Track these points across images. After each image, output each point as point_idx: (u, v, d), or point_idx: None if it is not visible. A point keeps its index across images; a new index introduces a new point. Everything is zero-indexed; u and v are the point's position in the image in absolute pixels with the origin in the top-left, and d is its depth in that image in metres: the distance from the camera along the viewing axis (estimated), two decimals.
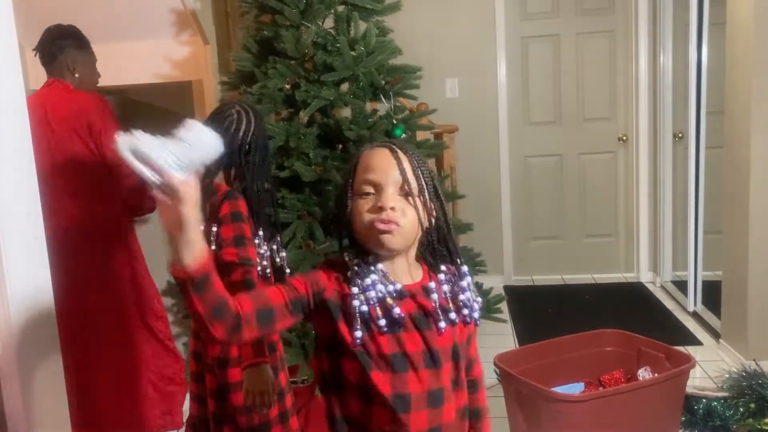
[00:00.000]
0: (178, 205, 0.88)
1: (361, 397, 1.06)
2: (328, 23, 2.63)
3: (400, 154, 1.08)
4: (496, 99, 4.56)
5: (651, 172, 4.51)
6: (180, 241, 0.90)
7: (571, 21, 4.56)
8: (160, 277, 2.86)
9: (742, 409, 2.49)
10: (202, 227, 1.70)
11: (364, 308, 1.03)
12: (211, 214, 1.73)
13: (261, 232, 1.81)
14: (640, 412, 2.25)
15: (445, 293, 1.10)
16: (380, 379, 1.04)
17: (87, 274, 2.39)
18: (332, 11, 2.60)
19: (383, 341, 1.05)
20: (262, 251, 1.81)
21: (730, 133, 3.19)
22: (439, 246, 1.13)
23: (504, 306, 3.48)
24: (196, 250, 0.92)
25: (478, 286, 1.96)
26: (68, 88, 2.46)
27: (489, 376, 2.00)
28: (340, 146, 2.60)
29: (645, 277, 4.63)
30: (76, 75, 2.49)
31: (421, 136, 3.00)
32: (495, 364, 2.33)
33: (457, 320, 1.10)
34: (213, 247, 1.71)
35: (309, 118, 2.56)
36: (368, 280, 1.04)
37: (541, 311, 4.07)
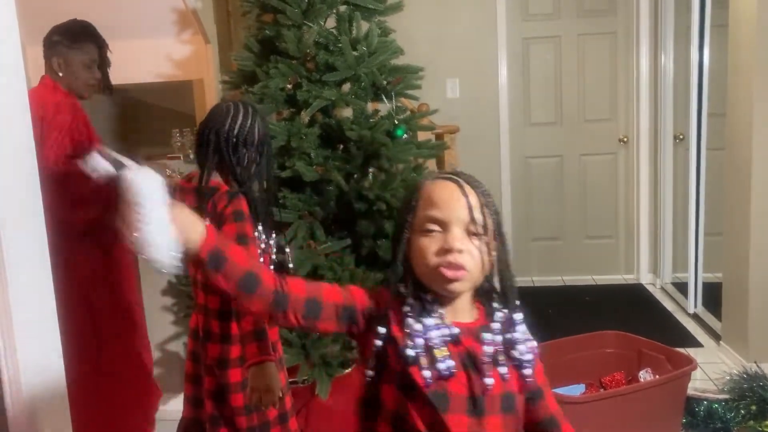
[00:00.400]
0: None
1: (393, 426, 1.00)
2: (330, 23, 2.63)
3: (468, 188, 1.01)
4: (497, 100, 4.55)
5: (651, 173, 4.51)
6: (173, 226, 0.91)
7: (573, 22, 4.56)
8: (160, 276, 2.86)
9: (743, 411, 2.49)
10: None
11: (411, 353, 0.96)
12: (213, 212, 1.72)
13: (262, 231, 1.80)
14: (641, 413, 2.25)
15: (497, 342, 1.02)
16: (418, 414, 0.97)
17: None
18: (334, 11, 2.59)
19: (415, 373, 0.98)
20: (261, 249, 1.80)
21: (731, 135, 3.19)
22: (496, 289, 1.06)
23: None
24: (194, 230, 0.92)
25: None
26: (48, 86, 2.40)
27: None
28: (342, 146, 2.59)
29: (645, 278, 4.63)
30: (60, 74, 2.43)
31: (422, 136, 2.99)
32: None
33: (507, 375, 1.01)
34: None
35: (310, 118, 2.55)
36: (428, 321, 0.98)
37: (541, 312, 4.06)
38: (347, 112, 2.68)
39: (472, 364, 1.00)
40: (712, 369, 3.06)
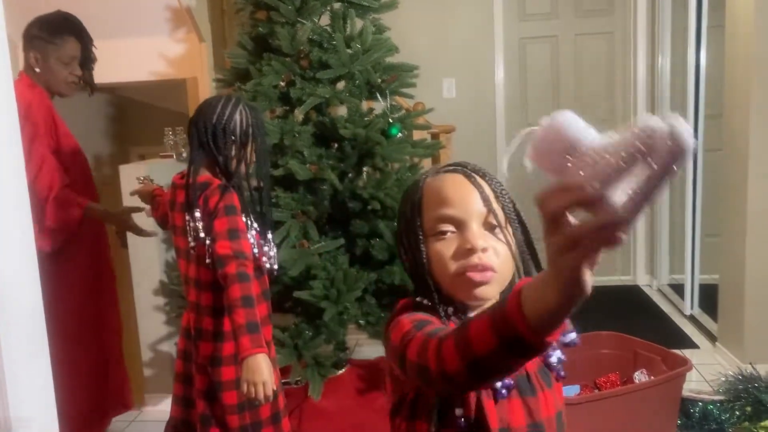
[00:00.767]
0: None
1: None
2: (324, 20, 2.61)
3: (478, 178, 0.89)
4: (494, 99, 4.54)
5: None
6: None
7: (570, 22, 4.55)
8: (151, 276, 2.84)
9: (738, 413, 2.47)
10: (198, 221, 1.70)
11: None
12: (205, 207, 1.71)
13: (257, 226, 1.78)
14: (636, 414, 2.23)
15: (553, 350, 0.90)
16: None
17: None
18: (328, 8, 2.58)
19: (489, 409, 0.85)
20: (253, 245, 1.78)
21: (727, 136, 3.17)
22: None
23: None
24: None
25: None
26: (23, 83, 2.29)
27: None
28: (336, 145, 2.57)
29: (642, 280, 4.61)
30: (37, 70, 2.31)
31: (417, 135, 2.98)
32: None
33: (553, 382, 0.91)
34: (207, 242, 1.69)
35: (304, 116, 2.53)
36: None
37: None
38: (341, 110, 2.66)
39: (523, 382, 0.88)
40: (708, 370, 3.04)
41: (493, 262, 0.86)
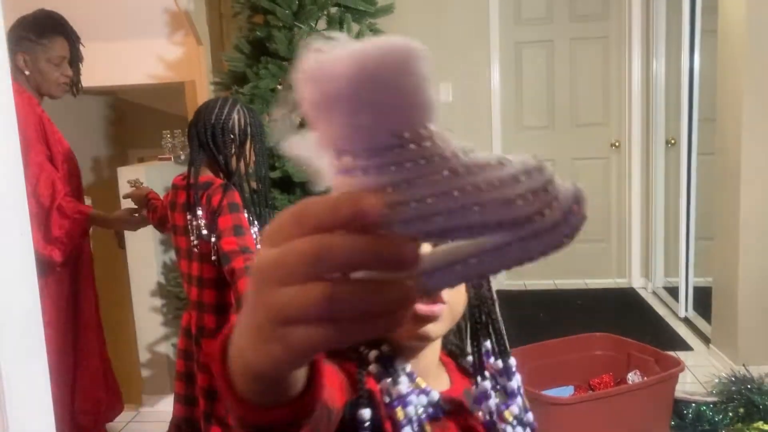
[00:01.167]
0: None
1: None
2: (321, 25, 2.64)
3: None
4: (490, 104, 4.56)
5: (643, 178, 4.52)
6: None
7: (565, 27, 4.58)
8: (148, 277, 2.85)
9: (731, 414, 2.50)
10: (201, 219, 1.73)
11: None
12: (208, 206, 1.74)
13: (255, 224, 1.81)
14: (629, 415, 2.25)
15: (491, 403, 0.70)
16: None
17: None
18: (325, 13, 2.60)
19: None
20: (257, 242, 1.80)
21: (721, 139, 3.20)
22: (480, 326, 0.73)
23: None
24: None
25: None
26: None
27: None
28: None
29: (637, 282, 4.64)
30: (27, 72, 2.23)
31: None
32: None
33: None
34: (213, 239, 1.72)
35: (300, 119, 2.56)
36: (402, 388, 0.67)
37: (533, 316, 4.06)
38: None
39: None
40: (702, 372, 3.06)
41: (445, 292, 0.67)
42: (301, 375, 0.38)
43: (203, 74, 3.38)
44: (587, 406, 2.24)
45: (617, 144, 4.62)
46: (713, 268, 3.35)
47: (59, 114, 2.46)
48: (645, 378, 2.43)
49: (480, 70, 4.54)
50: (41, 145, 2.23)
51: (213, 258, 1.74)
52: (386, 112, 0.31)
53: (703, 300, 3.63)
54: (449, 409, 0.70)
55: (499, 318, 0.76)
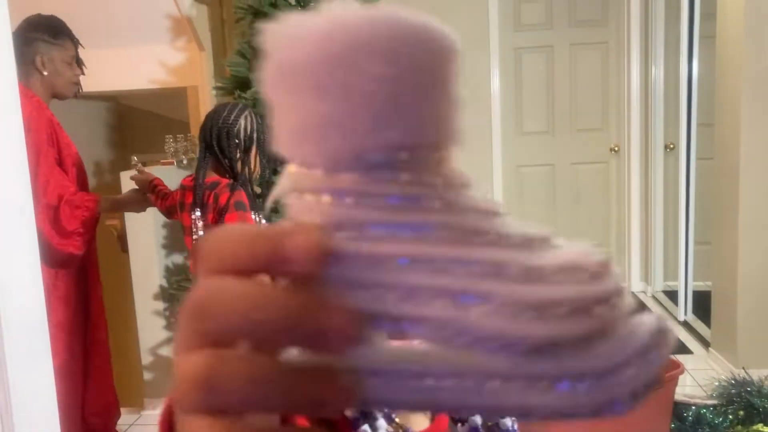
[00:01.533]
0: None
1: None
2: None
3: None
4: (489, 109, 4.58)
5: (642, 182, 4.54)
6: None
7: (565, 32, 4.61)
8: (151, 280, 2.86)
9: (731, 417, 2.51)
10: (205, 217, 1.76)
11: None
12: (215, 205, 1.77)
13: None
14: (628, 417, 2.26)
15: None
16: None
17: None
18: None
19: None
20: None
21: (719, 144, 3.22)
22: None
23: None
24: None
25: None
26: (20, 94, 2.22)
27: None
28: None
29: (636, 286, 4.65)
30: (45, 73, 2.26)
31: None
32: None
33: None
34: None
35: None
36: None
37: None
38: None
39: None
40: (702, 375, 3.08)
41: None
42: None
43: (205, 79, 3.40)
44: None
45: (616, 149, 4.64)
46: (712, 271, 3.37)
47: (61, 119, 2.47)
48: None
49: (480, 76, 4.56)
50: (51, 148, 2.26)
51: None
52: (397, 112, 0.22)
53: (702, 304, 3.64)
54: None
55: None
